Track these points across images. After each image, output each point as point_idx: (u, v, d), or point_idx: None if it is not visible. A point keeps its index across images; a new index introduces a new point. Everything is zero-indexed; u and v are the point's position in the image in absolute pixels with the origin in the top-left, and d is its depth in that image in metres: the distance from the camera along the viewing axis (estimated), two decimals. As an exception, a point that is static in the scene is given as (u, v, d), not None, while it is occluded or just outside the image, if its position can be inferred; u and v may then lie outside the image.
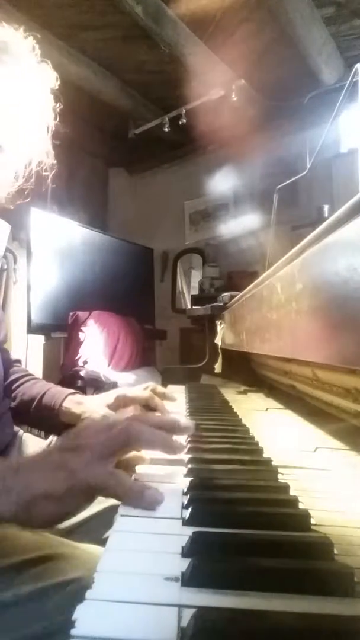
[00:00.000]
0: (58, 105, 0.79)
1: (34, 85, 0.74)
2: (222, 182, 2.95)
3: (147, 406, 0.76)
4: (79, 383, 1.98)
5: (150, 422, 0.44)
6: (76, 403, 0.79)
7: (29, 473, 0.39)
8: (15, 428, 0.89)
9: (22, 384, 0.86)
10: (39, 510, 0.37)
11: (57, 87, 0.78)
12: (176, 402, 0.85)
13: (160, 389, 0.80)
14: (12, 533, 0.49)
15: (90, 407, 0.77)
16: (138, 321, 2.55)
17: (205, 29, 2.03)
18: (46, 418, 0.80)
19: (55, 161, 0.81)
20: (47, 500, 0.37)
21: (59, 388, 0.83)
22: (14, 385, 0.86)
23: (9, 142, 0.72)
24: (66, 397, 0.79)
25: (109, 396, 0.77)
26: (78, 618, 0.22)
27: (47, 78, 0.77)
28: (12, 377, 0.87)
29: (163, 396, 0.78)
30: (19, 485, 0.38)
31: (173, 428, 0.45)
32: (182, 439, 0.50)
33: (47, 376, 2.55)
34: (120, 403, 0.75)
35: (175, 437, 0.44)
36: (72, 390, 0.82)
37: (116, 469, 0.39)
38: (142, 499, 0.36)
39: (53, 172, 0.81)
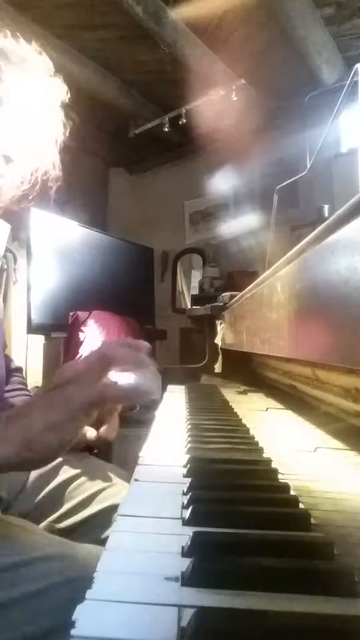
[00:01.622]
0: (69, 122, 0.81)
1: (45, 99, 0.76)
2: (222, 182, 2.95)
3: None
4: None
5: (120, 344, 0.48)
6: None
7: (24, 418, 0.41)
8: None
9: (11, 397, 0.88)
10: (43, 443, 0.39)
11: (67, 100, 0.81)
12: (176, 403, 0.86)
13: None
14: (11, 533, 0.50)
15: None
16: (138, 321, 2.55)
17: (205, 29, 2.03)
18: None
19: (61, 174, 0.83)
20: (49, 432, 0.39)
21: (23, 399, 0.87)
22: (14, 392, 0.88)
23: (17, 154, 0.73)
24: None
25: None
26: (78, 618, 0.22)
27: (59, 92, 0.79)
28: (7, 388, 0.88)
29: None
30: (13, 431, 0.40)
31: (137, 347, 0.49)
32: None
33: (47, 376, 2.56)
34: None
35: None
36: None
37: (108, 382, 0.42)
38: (139, 391, 0.41)
39: (58, 184, 0.83)
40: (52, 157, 0.81)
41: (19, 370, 0.97)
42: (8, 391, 0.89)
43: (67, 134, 0.83)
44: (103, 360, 0.44)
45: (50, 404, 0.41)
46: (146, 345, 0.50)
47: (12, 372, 0.94)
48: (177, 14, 1.90)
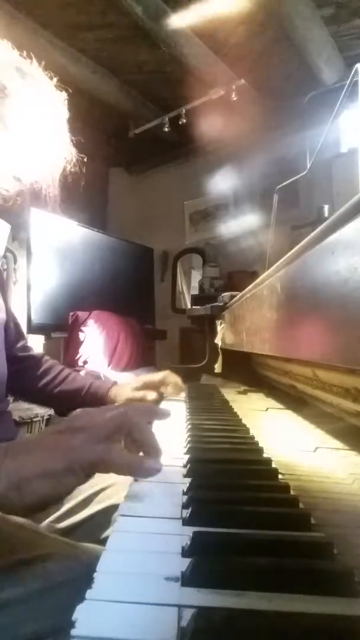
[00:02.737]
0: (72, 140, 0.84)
1: (55, 120, 0.79)
2: (222, 182, 2.95)
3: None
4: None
5: (142, 408, 0.46)
6: (114, 394, 0.97)
7: (22, 454, 0.39)
8: (16, 428, 0.90)
9: (66, 376, 1.00)
10: (33, 490, 0.37)
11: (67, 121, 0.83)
12: (176, 404, 0.87)
13: (172, 377, 0.99)
14: (12, 532, 0.50)
15: (122, 394, 0.96)
16: (138, 321, 2.55)
17: (206, 31, 2.02)
18: (93, 405, 0.94)
19: (58, 192, 0.86)
20: (42, 479, 0.37)
21: (100, 381, 1.02)
22: (58, 378, 0.98)
23: (26, 174, 0.76)
24: (109, 388, 0.98)
25: (133, 383, 0.98)
26: (78, 618, 0.22)
27: (64, 111, 0.82)
28: (54, 369, 0.99)
29: (175, 384, 0.98)
30: (9, 467, 0.37)
31: (158, 413, 0.49)
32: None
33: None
34: (142, 387, 0.95)
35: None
36: (112, 382, 1.01)
37: (113, 444, 0.40)
38: (141, 467, 0.38)
39: (54, 199, 0.86)
40: (54, 176, 0.83)
41: (43, 356, 1.03)
42: (59, 372, 0.99)
43: (73, 157, 0.86)
44: (120, 422, 0.41)
45: (53, 449, 0.39)
46: (169, 413, 0.49)
47: (41, 360, 1.01)
48: (178, 19, 1.89)
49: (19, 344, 0.96)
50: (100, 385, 0.99)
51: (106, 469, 0.38)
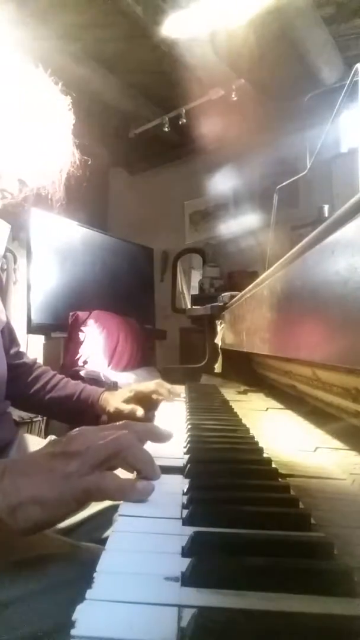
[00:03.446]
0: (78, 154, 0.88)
1: (60, 126, 0.82)
2: (222, 182, 2.95)
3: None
4: (79, 383, 1.98)
5: (141, 432, 0.45)
6: (104, 400, 0.98)
7: (17, 477, 0.39)
8: (16, 427, 0.90)
9: (57, 382, 1.00)
10: (26, 515, 0.37)
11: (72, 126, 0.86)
12: (176, 404, 0.87)
13: (166, 385, 1.00)
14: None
15: (112, 402, 0.96)
16: (138, 321, 2.55)
17: (206, 30, 2.02)
18: (84, 411, 0.98)
19: (62, 195, 0.87)
20: (35, 505, 0.37)
21: (90, 387, 1.02)
22: (49, 385, 0.99)
23: (30, 178, 0.78)
24: (100, 395, 0.98)
25: (124, 392, 0.98)
26: (78, 618, 0.22)
27: (70, 118, 0.85)
28: (45, 376, 1.00)
29: (168, 392, 0.98)
30: (5, 488, 0.37)
31: (157, 436, 0.47)
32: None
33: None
34: (133, 397, 0.96)
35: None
36: (103, 389, 1.01)
37: (106, 471, 0.39)
38: (133, 492, 0.37)
39: (59, 201, 0.89)
40: (58, 179, 0.86)
41: (35, 361, 1.04)
42: (50, 379, 1.00)
43: (77, 160, 0.89)
44: (115, 448, 0.40)
45: (47, 476, 0.38)
46: (170, 435, 0.48)
47: (34, 367, 1.01)
48: (178, 19, 1.89)
49: (12, 351, 0.96)
50: (90, 391, 1.00)
51: (100, 496, 0.38)
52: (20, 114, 0.73)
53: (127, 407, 0.95)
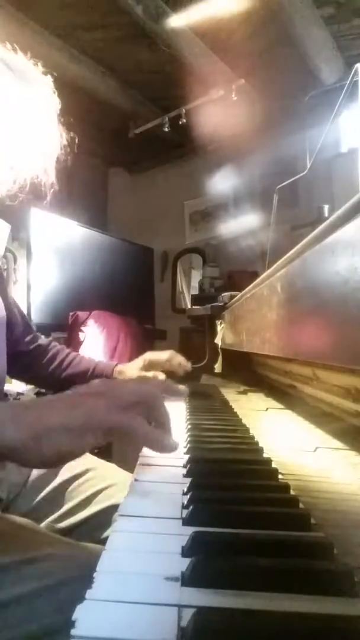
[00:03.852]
0: (70, 134, 0.86)
1: (45, 110, 0.80)
2: (222, 182, 2.95)
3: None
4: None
5: (160, 386, 0.47)
6: (118, 372, 1.01)
7: (45, 407, 0.39)
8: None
9: (71, 360, 1.03)
10: (52, 442, 0.37)
11: (58, 111, 0.84)
12: (176, 403, 0.87)
13: (179, 357, 1.05)
14: (12, 532, 0.49)
15: (128, 372, 1.00)
16: (138, 321, 2.55)
17: (206, 30, 2.02)
18: None
19: (55, 180, 0.86)
20: (61, 433, 0.37)
21: (104, 362, 1.05)
22: (64, 363, 1.02)
23: (20, 164, 0.77)
24: (113, 368, 1.01)
25: (138, 361, 1.02)
26: (78, 618, 0.22)
27: (54, 102, 0.83)
28: (60, 354, 1.03)
29: (179, 364, 1.05)
30: (31, 416, 0.38)
31: (175, 391, 0.50)
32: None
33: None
34: (147, 365, 1.00)
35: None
36: (115, 363, 1.04)
37: (135, 414, 0.40)
38: (161, 442, 0.38)
39: (52, 190, 0.88)
40: (48, 165, 0.85)
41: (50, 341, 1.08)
42: (66, 355, 1.03)
43: (65, 142, 0.87)
44: (142, 395, 0.41)
45: (74, 406, 0.39)
46: (186, 391, 0.50)
47: (48, 347, 1.05)
48: (178, 19, 1.89)
49: (27, 338, 1.00)
50: (104, 366, 1.03)
51: (125, 437, 0.39)
52: (2, 97, 0.73)
53: (148, 374, 0.99)
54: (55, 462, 0.38)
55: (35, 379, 1.07)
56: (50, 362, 1.02)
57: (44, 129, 0.80)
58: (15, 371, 1.08)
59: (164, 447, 0.39)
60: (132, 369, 1.01)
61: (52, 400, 0.41)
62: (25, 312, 2.15)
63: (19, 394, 1.97)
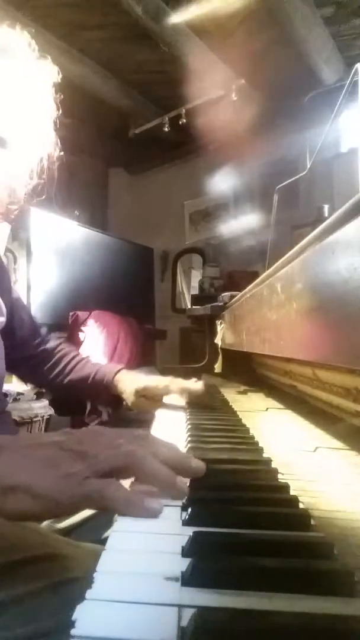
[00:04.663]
0: (59, 95, 0.82)
1: (34, 81, 0.77)
2: (222, 182, 2.95)
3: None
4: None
5: (161, 451, 0.39)
6: (118, 381, 0.94)
7: (18, 459, 0.36)
8: (16, 427, 0.90)
9: (74, 365, 1.00)
10: (16, 502, 0.33)
11: (59, 79, 0.81)
12: (176, 401, 0.87)
13: (183, 383, 0.88)
14: (12, 532, 0.49)
15: (127, 389, 0.91)
16: (138, 321, 2.55)
17: (206, 29, 2.03)
18: (100, 392, 0.97)
19: (62, 152, 0.84)
20: (28, 495, 0.33)
21: (107, 367, 0.99)
22: (67, 368, 0.99)
23: (13, 138, 0.74)
24: (115, 374, 0.95)
25: (137, 383, 0.89)
26: (78, 618, 0.22)
27: (48, 72, 0.80)
28: (65, 359, 1.00)
29: (183, 390, 0.87)
30: (1, 467, 0.35)
31: (182, 468, 0.39)
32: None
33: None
34: (142, 391, 0.88)
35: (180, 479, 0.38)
36: (119, 367, 0.97)
37: (112, 479, 0.35)
38: (141, 508, 0.34)
39: (58, 163, 0.85)
40: (50, 136, 0.82)
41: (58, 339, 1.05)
42: (72, 358, 1.01)
43: (60, 111, 0.83)
44: (126, 462, 0.36)
45: (48, 467, 0.35)
46: (188, 461, 0.40)
47: (57, 346, 1.02)
48: (178, 16, 1.90)
49: (35, 341, 0.99)
50: (105, 372, 0.96)
51: (102, 505, 0.34)
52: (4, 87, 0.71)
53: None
54: (18, 520, 0.35)
55: (42, 384, 1.06)
56: (53, 368, 1.00)
57: (34, 100, 0.76)
58: (19, 374, 1.07)
59: (147, 511, 0.33)
60: (130, 386, 0.90)
61: (28, 450, 0.37)
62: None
63: (19, 393, 1.97)
